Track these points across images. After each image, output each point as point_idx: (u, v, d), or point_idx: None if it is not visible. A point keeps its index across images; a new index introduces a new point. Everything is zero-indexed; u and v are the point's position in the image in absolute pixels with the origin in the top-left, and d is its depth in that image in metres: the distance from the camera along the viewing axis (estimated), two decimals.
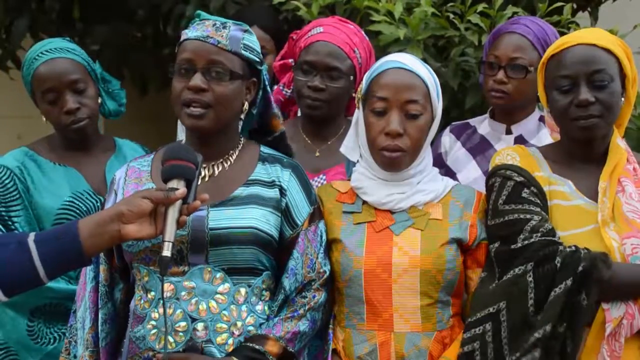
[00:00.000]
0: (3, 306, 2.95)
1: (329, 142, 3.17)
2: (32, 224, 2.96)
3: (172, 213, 2.25)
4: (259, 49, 2.60)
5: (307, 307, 2.54)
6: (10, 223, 2.94)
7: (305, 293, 2.56)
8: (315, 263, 2.57)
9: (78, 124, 3.06)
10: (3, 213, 2.94)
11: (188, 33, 2.55)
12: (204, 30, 2.52)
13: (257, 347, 2.46)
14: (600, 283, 2.43)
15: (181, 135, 3.64)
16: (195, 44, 2.52)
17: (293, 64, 3.23)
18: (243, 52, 2.53)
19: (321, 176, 3.03)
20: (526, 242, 2.50)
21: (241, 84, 2.55)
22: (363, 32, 3.26)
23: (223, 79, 2.50)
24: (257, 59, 2.58)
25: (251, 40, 2.58)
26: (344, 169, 3.09)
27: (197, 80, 2.48)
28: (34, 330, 2.94)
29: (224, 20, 2.58)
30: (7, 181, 2.98)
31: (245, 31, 2.57)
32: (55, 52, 3.06)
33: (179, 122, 3.72)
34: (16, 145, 3.17)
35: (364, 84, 2.66)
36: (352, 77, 3.12)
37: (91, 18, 5.06)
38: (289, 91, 3.29)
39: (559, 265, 2.45)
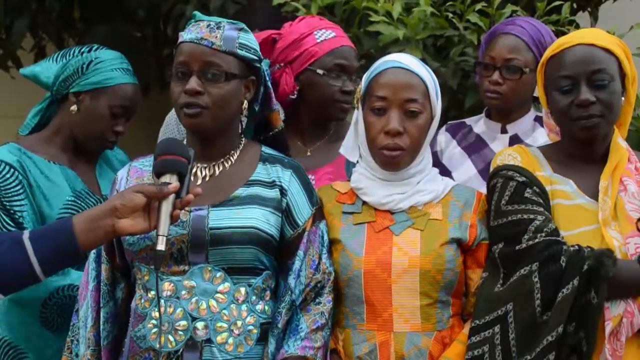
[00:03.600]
0: (11, 306, 2.94)
1: (321, 142, 3.16)
2: (38, 219, 2.94)
3: (166, 207, 2.26)
4: (256, 47, 2.60)
5: (327, 315, 2.55)
6: (17, 217, 2.92)
7: (320, 299, 2.55)
8: (318, 264, 2.57)
9: (111, 146, 3.13)
10: (8, 206, 2.92)
11: (184, 35, 2.56)
12: (198, 32, 2.53)
13: None
14: (608, 280, 2.43)
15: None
16: (190, 47, 2.52)
17: (279, 68, 3.20)
18: (238, 51, 2.53)
19: (310, 176, 3.02)
20: (531, 242, 2.49)
21: (239, 84, 2.55)
22: None
23: (219, 80, 2.50)
24: (255, 57, 2.58)
25: (247, 38, 2.57)
26: (332, 169, 3.09)
27: (193, 83, 2.49)
28: (47, 318, 2.92)
29: (218, 20, 2.57)
30: (7, 175, 2.94)
31: (241, 30, 2.57)
32: (134, 77, 3.11)
33: (163, 125, 3.72)
34: None
35: (363, 84, 2.67)
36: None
37: (91, 18, 5.07)
38: (293, 96, 3.25)
39: (564, 264, 2.45)
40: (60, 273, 2.89)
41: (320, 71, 3.07)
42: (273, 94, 2.69)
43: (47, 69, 3.09)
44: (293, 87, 3.15)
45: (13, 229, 2.86)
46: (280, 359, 2.49)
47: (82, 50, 3.09)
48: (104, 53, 3.09)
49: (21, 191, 2.95)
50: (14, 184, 2.95)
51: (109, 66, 3.06)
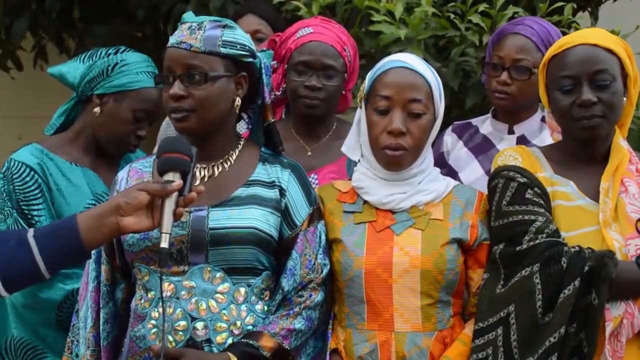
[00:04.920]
0: (26, 310, 2.94)
1: (321, 141, 3.18)
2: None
3: (169, 205, 2.26)
4: (245, 42, 2.56)
5: (302, 306, 2.54)
6: (34, 222, 2.92)
7: (302, 292, 2.55)
8: (314, 264, 2.57)
9: (133, 149, 3.12)
10: (25, 211, 2.93)
11: (170, 40, 2.55)
12: (179, 35, 2.52)
13: (251, 342, 2.46)
14: (609, 281, 2.43)
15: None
16: (171, 51, 2.52)
17: (276, 65, 3.23)
18: (221, 49, 2.51)
19: (313, 175, 3.04)
20: (532, 243, 2.49)
21: (226, 82, 2.53)
22: (347, 31, 3.28)
23: (200, 82, 2.49)
24: (243, 52, 2.55)
25: (233, 34, 2.54)
26: (336, 168, 3.10)
27: (175, 88, 2.48)
28: (64, 321, 2.91)
29: (201, 19, 2.55)
30: (27, 178, 2.94)
31: (225, 27, 2.54)
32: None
33: (160, 130, 3.73)
34: (17, 146, 3.11)
35: (366, 83, 2.66)
36: (344, 75, 3.13)
37: (91, 18, 5.07)
38: (277, 93, 3.29)
39: (565, 265, 2.45)
40: (74, 277, 2.90)
41: (286, 67, 3.14)
42: (266, 90, 2.68)
43: (74, 69, 3.09)
44: (278, 84, 3.19)
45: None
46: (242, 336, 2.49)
47: (109, 52, 3.08)
48: (130, 56, 3.07)
49: (39, 195, 2.95)
50: (33, 187, 2.95)
51: (134, 69, 3.04)
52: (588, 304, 2.44)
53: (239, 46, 2.54)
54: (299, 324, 2.53)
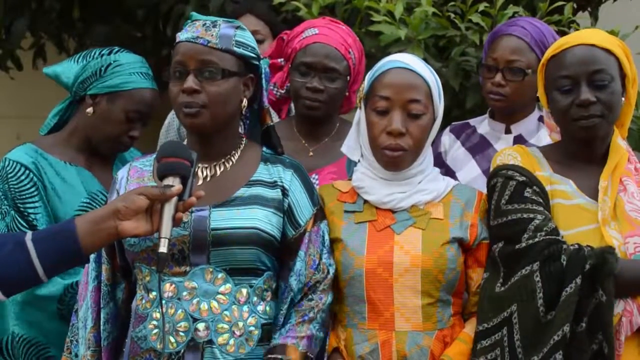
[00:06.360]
0: (26, 306, 2.94)
1: (323, 142, 3.19)
2: (51, 221, 2.94)
3: (168, 210, 2.26)
4: (254, 45, 2.59)
5: (316, 310, 2.54)
6: (31, 219, 2.92)
7: (312, 296, 2.55)
8: (318, 264, 2.57)
9: (125, 149, 3.13)
10: (22, 209, 2.93)
11: (180, 36, 2.55)
12: (194, 31, 2.52)
13: (280, 356, 2.47)
14: (613, 276, 2.43)
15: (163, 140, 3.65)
16: (186, 46, 2.52)
17: (282, 63, 3.25)
18: (235, 49, 2.53)
19: (314, 176, 3.04)
20: (530, 241, 2.50)
21: (237, 81, 2.54)
22: (354, 33, 3.28)
23: (215, 78, 2.49)
24: (253, 55, 2.57)
25: (244, 36, 2.57)
26: (336, 169, 3.11)
27: (190, 82, 2.48)
28: (65, 315, 2.91)
29: (214, 19, 2.57)
30: (22, 177, 2.95)
31: (237, 28, 2.57)
32: (153, 82, 3.09)
33: (163, 127, 3.73)
34: (15, 146, 3.11)
35: (365, 84, 2.67)
36: (347, 78, 3.13)
37: (91, 18, 5.07)
38: (282, 91, 3.30)
39: (564, 263, 2.46)
40: (71, 271, 2.90)
41: (290, 67, 3.15)
42: (265, 93, 2.69)
43: (68, 69, 3.09)
44: (282, 82, 3.19)
45: (26, 231, 2.86)
46: (266, 351, 2.50)
47: (103, 52, 3.08)
48: (124, 56, 3.07)
49: (35, 193, 2.95)
50: (28, 185, 2.96)
51: (128, 70, 3.04)
52: (598, 304, 2.45)
53: (249, 48, 2.56)
54: (314, 329, 2.53)
